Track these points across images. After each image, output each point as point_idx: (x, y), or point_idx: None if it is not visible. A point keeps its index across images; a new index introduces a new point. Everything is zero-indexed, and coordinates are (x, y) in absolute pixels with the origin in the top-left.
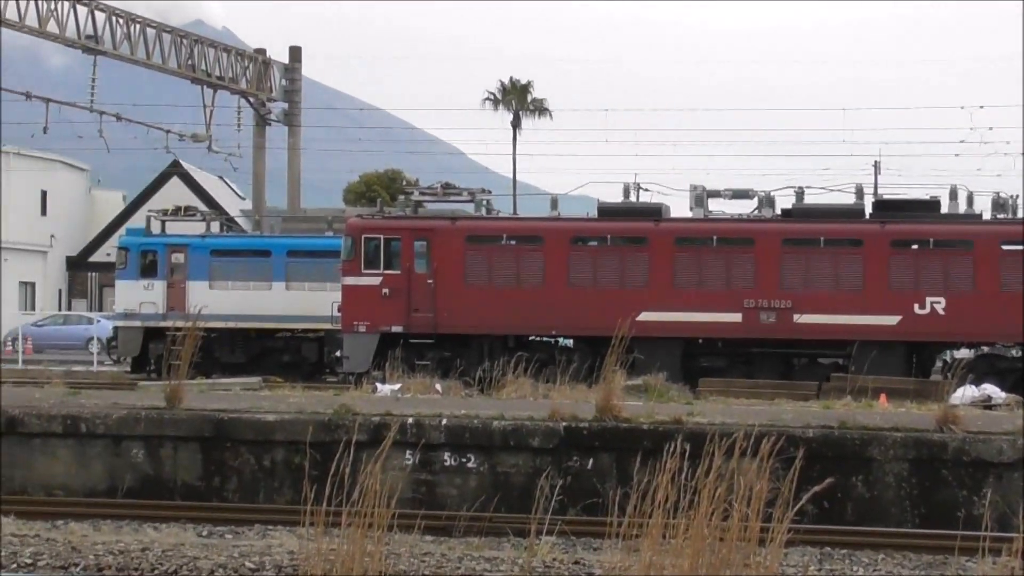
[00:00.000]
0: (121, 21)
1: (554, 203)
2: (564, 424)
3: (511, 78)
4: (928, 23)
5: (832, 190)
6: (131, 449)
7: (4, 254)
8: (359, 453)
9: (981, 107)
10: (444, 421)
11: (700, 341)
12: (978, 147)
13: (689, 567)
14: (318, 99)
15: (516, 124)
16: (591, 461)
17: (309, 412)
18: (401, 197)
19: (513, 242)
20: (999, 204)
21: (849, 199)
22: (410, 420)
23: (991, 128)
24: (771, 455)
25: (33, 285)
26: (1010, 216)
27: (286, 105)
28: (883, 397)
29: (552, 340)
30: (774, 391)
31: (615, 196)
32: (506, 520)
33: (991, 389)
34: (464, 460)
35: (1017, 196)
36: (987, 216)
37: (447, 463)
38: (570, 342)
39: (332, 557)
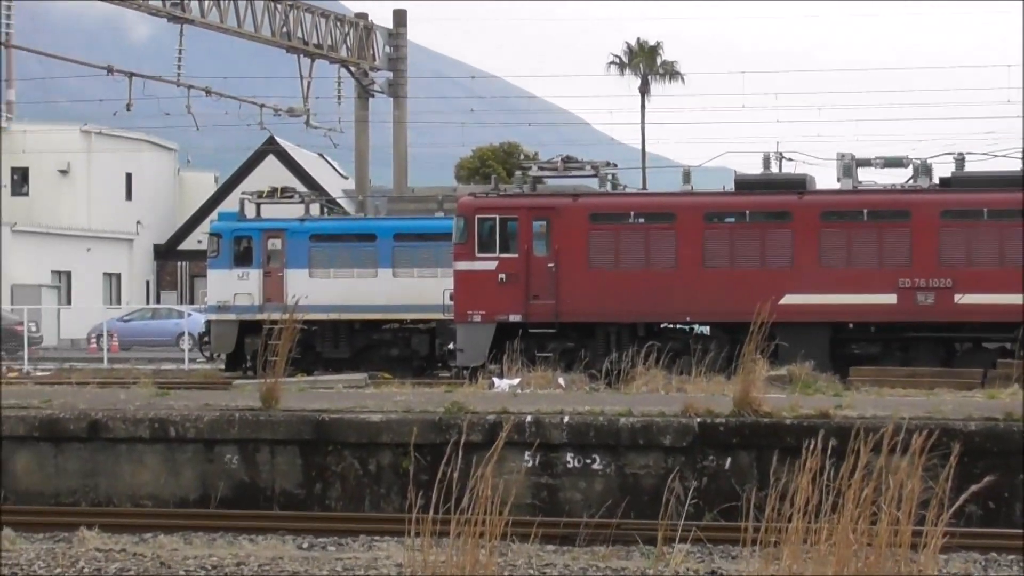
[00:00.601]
0: None
1: (687, 176)
2: (699, 420)
3: (638, 39)
4: None
5: (997, 156)
6: (224, 454)
7: (87, 243)
8: (473, 455)
9: None
10: (566, 419)
11: (850, 326)
12: None
13: None
14: (426, 67)
15: (644, 90)
16: (728, 460)
17: (418, 411)
18: (518, 173)
19: (642, 220)
20: None
21: (1016, 166)
22: (528, 418)
23: None
24: (923, 451)
25: (118, 276)
26: None
27: (391, 74)
28: None
29: (686, 327)
30: (933, 380)
31: (754, 167)
32: (635, 526)
33: None
34: (589, 461)
35: None
36: None
37: (570, 465)
38: (706, 329)
39: (442, 569)
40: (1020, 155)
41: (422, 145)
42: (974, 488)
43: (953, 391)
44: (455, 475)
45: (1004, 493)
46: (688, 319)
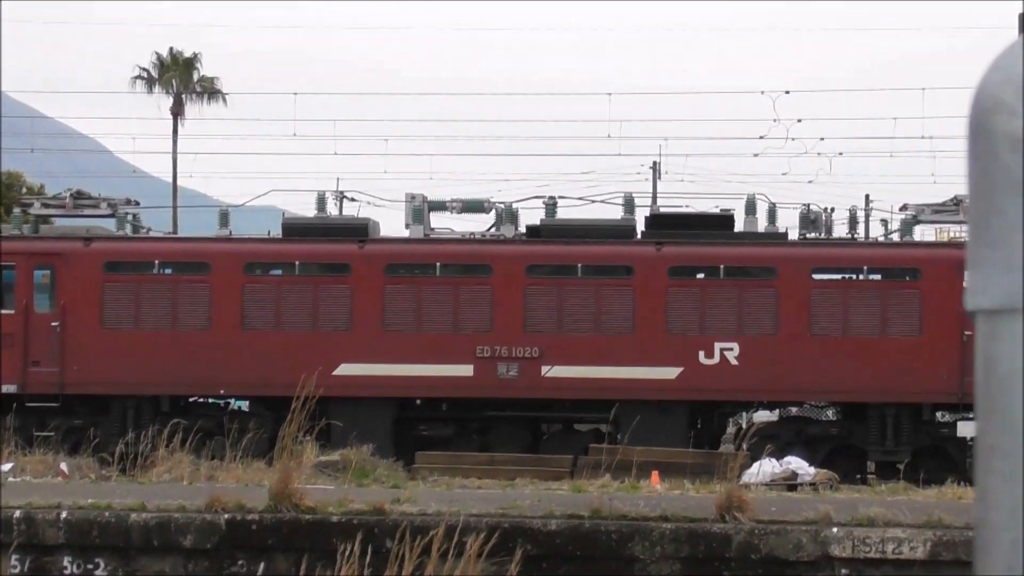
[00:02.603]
0: None
1: (224, 217)
2: (227, 516)
3: (171, 49)
4: None
5: (594, 201)
6: None
7: None
8: None
9: (787, 92)
10: (64, 514)
11: (418, 402)
12: (783, 144)
13: None
14: None
15: (177, 112)
16: (262, 566)
17: None
18: (16, 210)
19: (169, 270)
20: (809, 220)
21: (617, 213)
22: (17, 513)
23: (800, 120)
24: (482, 556)
25: None
26: (823, 236)
27: None
28: (655, 475)
29: (220, 402)
30: (515, 468)
31: (307, 208)
32: None
33: (796, 463)
34: (91, 567)
35: (832, 210)
36: (794, 235)
37: (67, 571)
38: (245, 404)
39: None
40: (621, 200)
41: None
42: None
43: (537, 482)
44: None
45: None
46: (223, 392)
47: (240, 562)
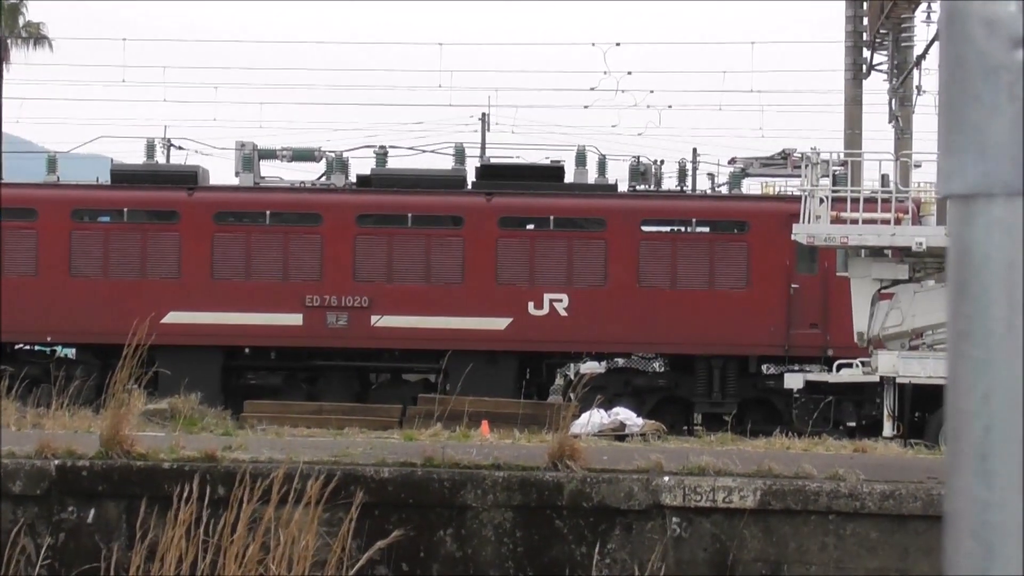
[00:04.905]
0: None
1: (52, 164)
2: (57, 462)
3: None
4: None
5: (425, 151)
6: None
7: None
8: None
9: (617, 44)
10: None
11: (247, 351)
12: (614, 96)
13: None
14: None
15: (3, 57)
16: (92, 512)
17: None
18: None
19: None
20: (638, 172)
21: (447, 163)
22: None
23: (630, 72)
24: (321, 500)
25: None
26: (652, 188)
27: None
28: (485, 425)
29: (46, 349)
30: (344, 417)
31: (136, 155)
32: None
33: (625, 414)
34: None
35: (661, 162)
36: (624, 187)
37: None
38: (71, 351)
39: None
40: (452, 151)
41: None
42: (380, 544)
43: (367, 431)
44: None
45: (420, 552)
46: (50, 339)
47: (70, 508)
